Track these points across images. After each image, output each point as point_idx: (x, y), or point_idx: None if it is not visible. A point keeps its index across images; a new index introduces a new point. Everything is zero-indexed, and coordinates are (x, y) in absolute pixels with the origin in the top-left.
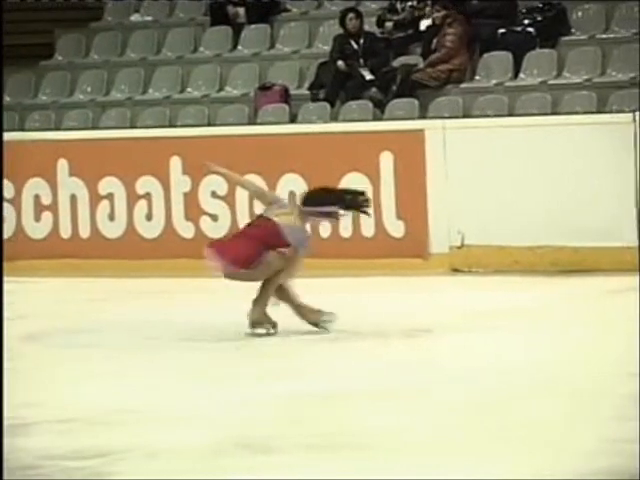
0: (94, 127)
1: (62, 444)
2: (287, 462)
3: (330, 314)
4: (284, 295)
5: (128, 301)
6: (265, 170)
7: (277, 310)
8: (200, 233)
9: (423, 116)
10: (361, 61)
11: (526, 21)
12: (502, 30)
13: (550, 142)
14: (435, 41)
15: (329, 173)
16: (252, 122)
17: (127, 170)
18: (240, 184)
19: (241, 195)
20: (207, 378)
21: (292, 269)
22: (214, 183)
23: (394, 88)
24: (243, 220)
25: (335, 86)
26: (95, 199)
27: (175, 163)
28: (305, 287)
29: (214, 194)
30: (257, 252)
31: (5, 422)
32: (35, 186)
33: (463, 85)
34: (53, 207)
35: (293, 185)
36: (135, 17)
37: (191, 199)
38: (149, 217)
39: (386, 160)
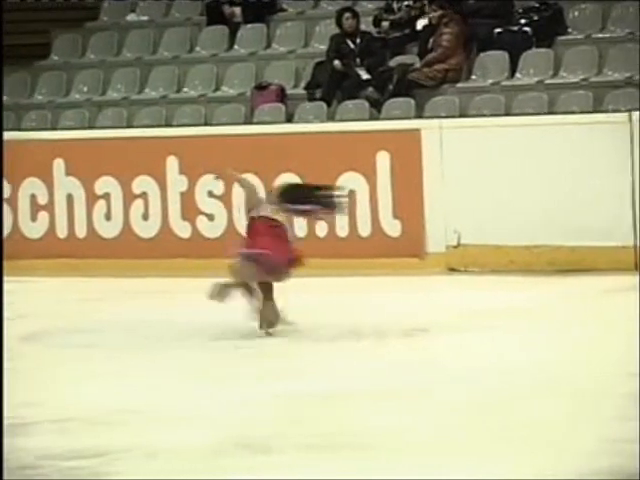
0: (90, 127)
1: (62, 444)
2: (287, 462)
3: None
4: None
5: (125, 301)
6: (262, 170)
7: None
8: (196, 233)
9: (419, 116)
10: (357, 61)
11: (522, 21)
12: (498, 30)
13: (546, 141)
14: (431, 41)
15: (326, 172)
16: (248, 122)
17: (123, 170)
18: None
19: (237, 194)
20: (207, 378)
21: None
22: (210, 183)
23: (390, 88)
24: (240, 220)
25: (331, 86)
26: (91, 199)
27: (171, 163)
28: (302, 287)
29: (210, 194)
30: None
31: (5, 422)
32: (31, 186)
33: (459, 85)
34: (49, 207)
35: None
36: (131, 17)
37: (187, 199)
38: (145, 217)
39: (382, 159)
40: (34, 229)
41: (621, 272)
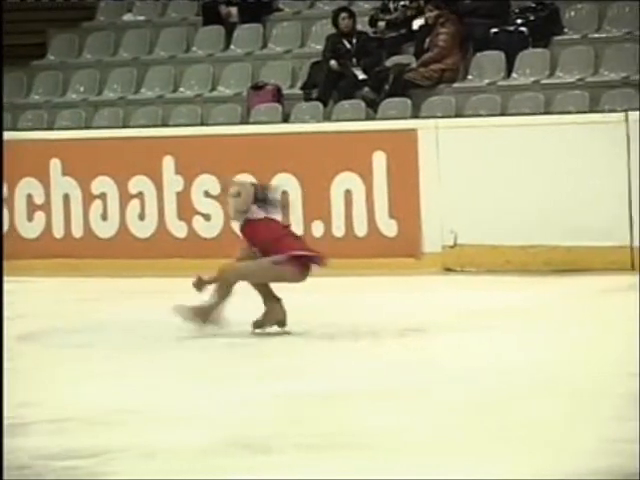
0: (87, 127)
1: (61, 444)
2: (287, 462)
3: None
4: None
5: (122, 301)
6: (258, 170)
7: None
8: (193, 233)
9: (416, 116)
10: (354, 60)
11: (519, 21)
12: (495, 30)
13: (543, 141)
14: (428, 41)
15: (322, 173)
16: (245, 122)
17: (120, 169)
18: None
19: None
20: (206, 378)
21: None
22: (207, 183)
23: (387, 88)
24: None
25: (328, 86)
26: (88, 199)
27: (168, 163)
28: (299, 287)
29: (207, 194)
30: None
31: (4, 422)
32: (28, 186)
33: (456, 85)
34: (46, 207)
35: (286, 185)
36: (128, 17)
37: (184, 198)
38: (142, 217)
39: (379, 159)
40: (30, 229)
41: (617, 272)
